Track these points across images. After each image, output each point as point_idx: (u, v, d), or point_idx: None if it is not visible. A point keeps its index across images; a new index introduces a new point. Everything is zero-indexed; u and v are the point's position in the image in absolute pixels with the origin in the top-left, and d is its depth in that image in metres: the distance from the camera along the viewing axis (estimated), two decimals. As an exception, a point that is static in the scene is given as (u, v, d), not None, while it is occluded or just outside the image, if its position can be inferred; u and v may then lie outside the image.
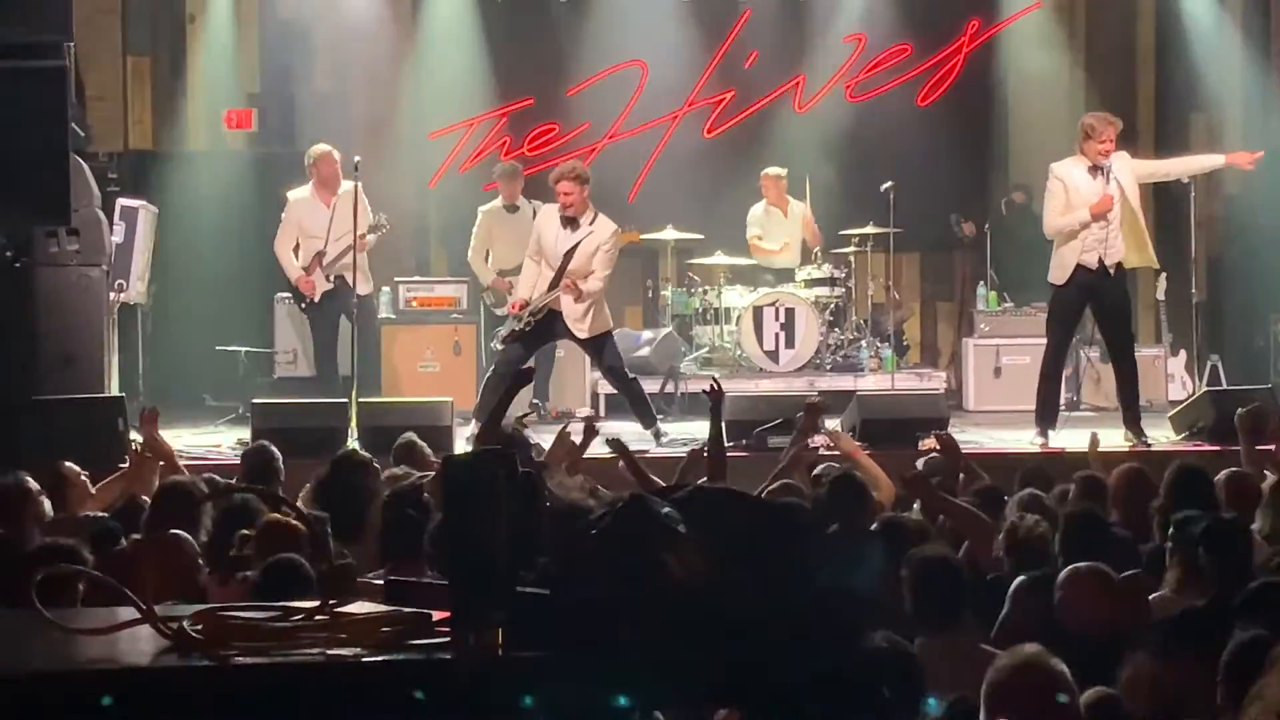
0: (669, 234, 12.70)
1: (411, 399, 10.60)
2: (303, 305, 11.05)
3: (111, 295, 10.35)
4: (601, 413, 11.71)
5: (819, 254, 12.78)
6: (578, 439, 7.52)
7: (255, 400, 10.06)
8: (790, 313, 12.38)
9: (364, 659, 2.58)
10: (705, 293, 12.57)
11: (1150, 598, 5.12)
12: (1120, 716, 3.88)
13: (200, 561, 5.25)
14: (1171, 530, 5.35)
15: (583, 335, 10.18)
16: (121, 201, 11.13)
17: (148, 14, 13.45)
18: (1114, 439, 9.77)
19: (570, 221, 10.12)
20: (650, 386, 11.72)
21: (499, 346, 10.39)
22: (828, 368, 12.49)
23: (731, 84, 13.75)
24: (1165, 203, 12.76)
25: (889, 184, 12.12)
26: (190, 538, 5.33)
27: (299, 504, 5.50)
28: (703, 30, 13.80)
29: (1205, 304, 12.59)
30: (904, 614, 4.69)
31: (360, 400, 9.77)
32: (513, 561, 2.67)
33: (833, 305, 12.65)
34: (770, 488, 6.52)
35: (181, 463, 7.61)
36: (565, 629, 2.58)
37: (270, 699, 2.52)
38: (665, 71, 13.64)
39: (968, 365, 12.75)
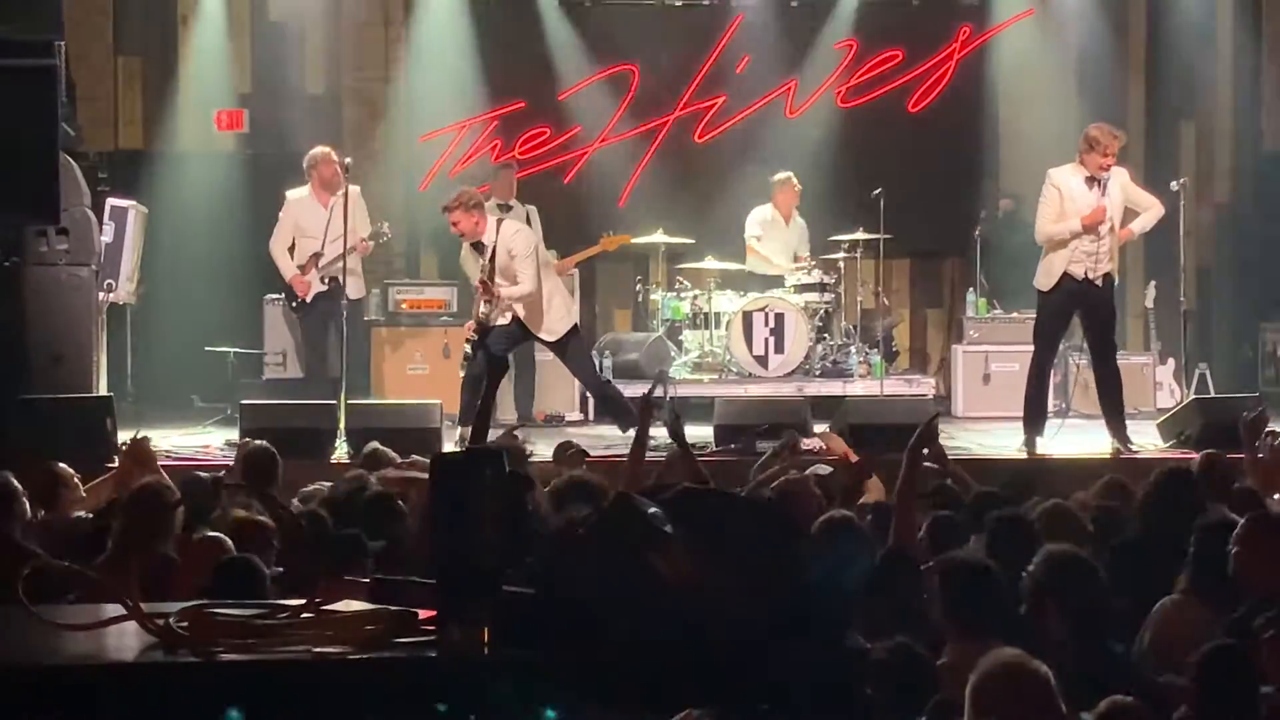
0: (659, 238, 12.71)
1: (400, 401, 10.60)
2: (294, 304, 11.03)
3: (101, 295, 10.33)
4: (590, 416, 11.71)
5: (809, 259, 12.79)
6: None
7: (244, 401, 10.05)
8: (780, 318, 12.39)
9: (349, 656, 2.59)
10: (695, 297, 12.58)
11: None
12: None
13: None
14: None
15: (548, 339, 10.19)
16: (111, 201, 11.11)
17: (139, 14, 13.43)
18: (1102, 447, 9.81)
19: (476, 245, 10.17)
20: (639, 391, 11.73)
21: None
22: (817, 373, 12.51)
23: (723, 89, 13.76)
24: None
25: (879, 190, 12.15)
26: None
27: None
28: (694, 35, 13.82)
29: (1194, 312, 12.61)
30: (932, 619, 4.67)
31: (349, 402, 9.76)
32: (500, 561, 2.67)
33: (822, 311, 12.66)
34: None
35: (170, 463, 7.60)
36: (553, 628, 2.58)
37: (256, 695, 2.52)
38: (657, 76, 13.66)
39: (957, 371, 12.76)
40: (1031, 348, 10.14)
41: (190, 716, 2.49)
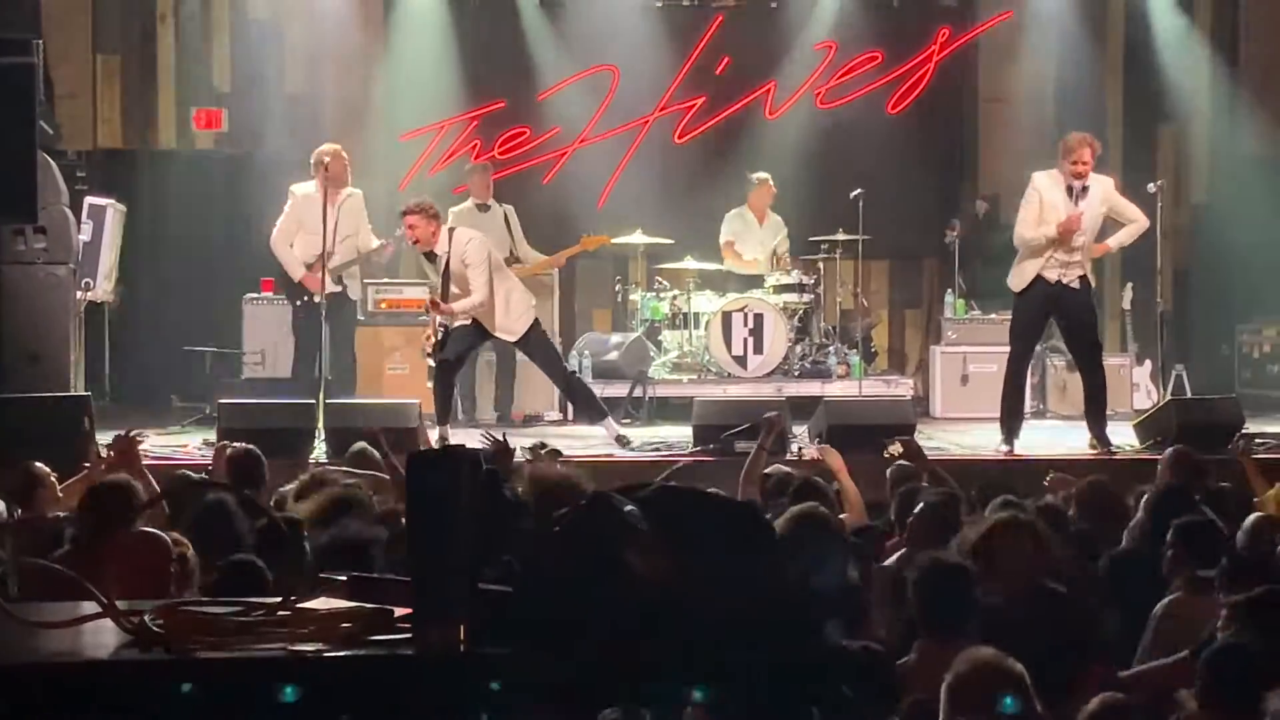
0: (638, 238, 12.71)
1: (379, 400, 10.58)
2: (298, 303, 10.88)
3: (78, 294, 10.31)
4: (569, 416, 11.72)
5: (788, 260, 12.81)
6: None
7: (222, 400, 10.02)
8: (759, 318, 12.41)
9: (325, 654, 2.58)
10: (674, 297, 12.59)
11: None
12: None
13: (172, 559, 5.22)
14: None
15: (509, 339, 10.22)
16: (89, 200, 11.09)
17: (118, 12, 13.41)
18: (1080, 447, 9.84)
19: (428, 255, 10.18)
20: (618, 391, 11.75)
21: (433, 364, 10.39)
22: (795, 373, 12.53)
23: (703, 89, 13.78)
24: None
25: (858, 191, 12.16)
26: (165, 536, 5.29)
27: None
28: (674, 36, 13.83)
29: (1171, 313, 12.66)
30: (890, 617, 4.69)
31: (327, 401, 9.74)
32: (476, 558, 2.67)
33: (801, 311, 12.69)
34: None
35: (149, 463, 7.58)
36: (529, 625, 2.59)
37: (231, 693, 2.52)
38: (637, 76, 13.67)
39: (935, 372, 12.79)
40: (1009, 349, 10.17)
41: (164, 714, 2.48)
